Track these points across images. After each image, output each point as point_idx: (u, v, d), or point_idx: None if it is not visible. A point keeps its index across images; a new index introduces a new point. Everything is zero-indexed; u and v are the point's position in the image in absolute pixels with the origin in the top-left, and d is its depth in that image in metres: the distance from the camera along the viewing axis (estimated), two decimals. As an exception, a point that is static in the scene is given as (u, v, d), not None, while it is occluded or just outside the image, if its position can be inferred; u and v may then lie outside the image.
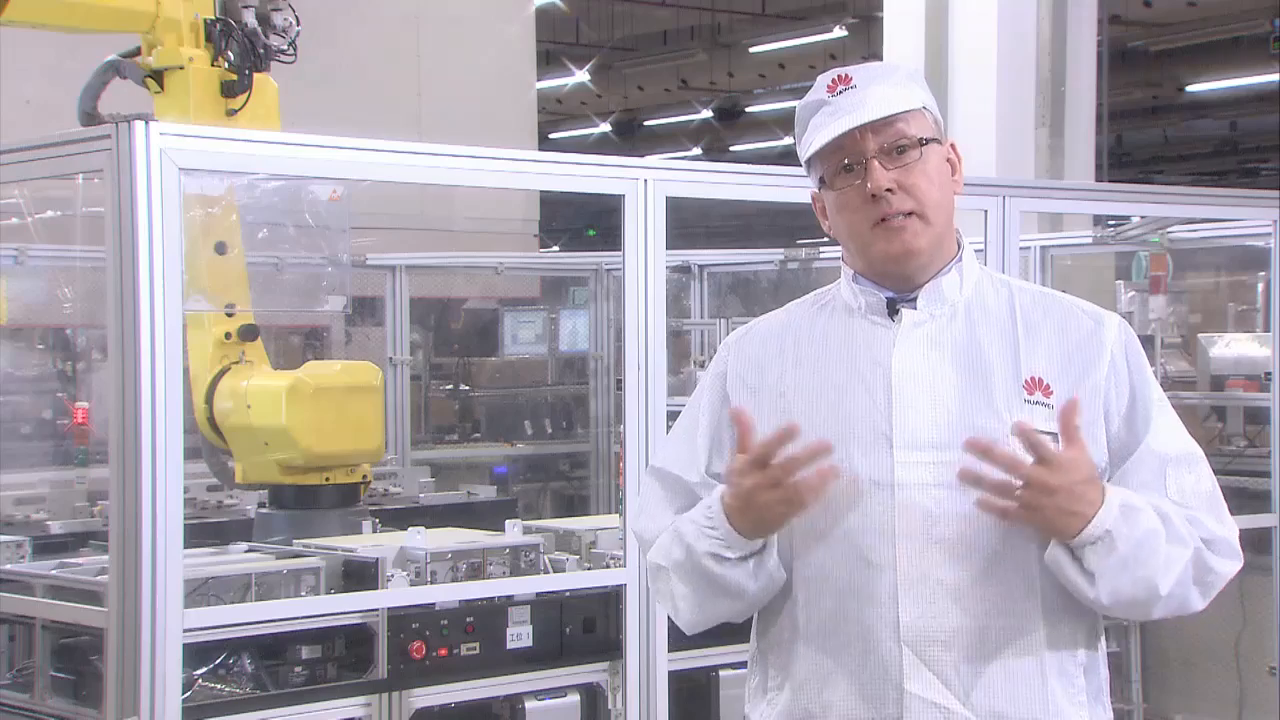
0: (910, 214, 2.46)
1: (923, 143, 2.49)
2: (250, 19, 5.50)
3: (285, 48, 5.54)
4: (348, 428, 5.52)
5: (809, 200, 2.61)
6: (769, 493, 2.38)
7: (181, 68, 5.43)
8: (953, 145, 2.57)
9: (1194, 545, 2.44)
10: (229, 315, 5.55)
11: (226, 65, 5.46)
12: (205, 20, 5.48)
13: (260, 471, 5.54)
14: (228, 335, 5.57)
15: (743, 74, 20.57)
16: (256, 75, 5.51)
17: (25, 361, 7.47)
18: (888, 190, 2.45)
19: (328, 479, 5.54)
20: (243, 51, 5.47)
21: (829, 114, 2.49)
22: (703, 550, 2.46)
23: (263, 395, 5.49)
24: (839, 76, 2.51)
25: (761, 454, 2.37)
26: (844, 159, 2.48)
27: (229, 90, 5.46)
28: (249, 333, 5.62)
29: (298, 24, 5.53)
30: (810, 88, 2.55)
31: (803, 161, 2.56)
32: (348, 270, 5.97)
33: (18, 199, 5.37)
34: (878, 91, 2.48)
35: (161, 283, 3.91)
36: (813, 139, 2.50)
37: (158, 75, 5.46)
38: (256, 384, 5.53)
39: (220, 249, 5.46)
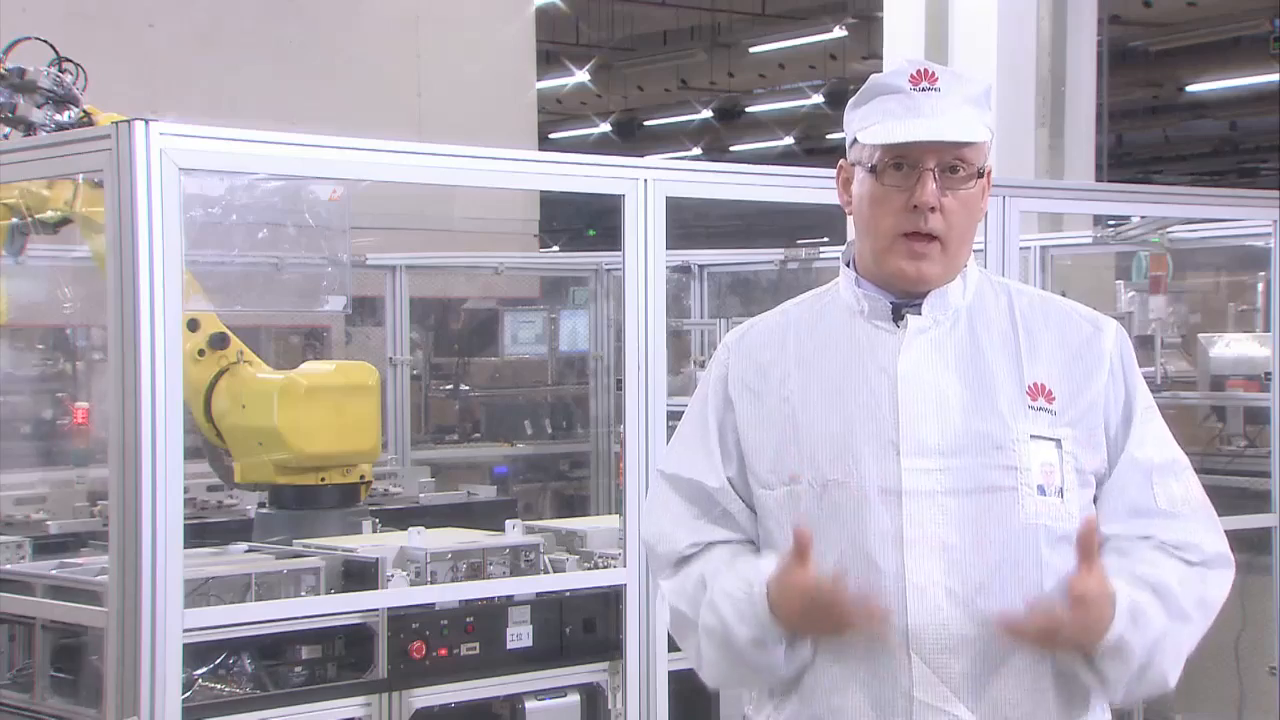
0: (937, 240, 2.46)
1: (979, 174, 2.49)
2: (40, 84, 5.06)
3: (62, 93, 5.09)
4: (341, 428, 5.50)
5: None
6: (817, 621, 2.39)
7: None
8: (989, 173, 2.56)
9: (1197, 611, 2.46)
10: (192, 331, 5.38)
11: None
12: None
13: (257, 471, 5.52)
14: (201, 353, 5.49)
15: (743, 74, 20.50)
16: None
17: (25, 361, 7.46)
18: (930, 209, 2.44)
19: (324, 479, 5.53)
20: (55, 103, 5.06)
21: (905, 108, 2.47)
22: (744, 637, 2.44)
23: (256, 395, 5.48)
24: (924, 71, 2.48)
25: (821, 594, 2.36)
26: (899, 157, 2.46)
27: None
28: (220, 341, 5.56)
29: (80, 72, 5.11)
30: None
31: (849, 132, 2.53)
32: (348, 270, 5.96)
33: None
34: (960, 109, 2.47)
35: (161, 283, 3.90)
36: (877, 125, 2.47)
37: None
38: (251, 384, 5.53)
39: None
